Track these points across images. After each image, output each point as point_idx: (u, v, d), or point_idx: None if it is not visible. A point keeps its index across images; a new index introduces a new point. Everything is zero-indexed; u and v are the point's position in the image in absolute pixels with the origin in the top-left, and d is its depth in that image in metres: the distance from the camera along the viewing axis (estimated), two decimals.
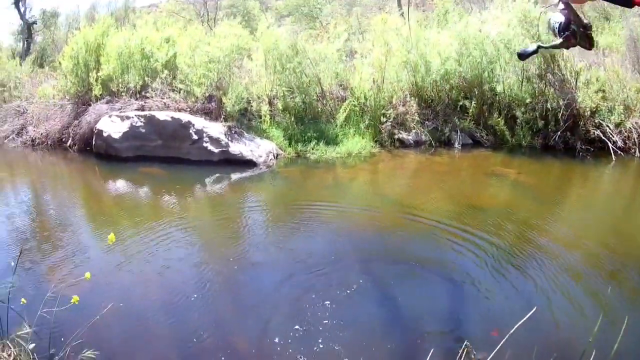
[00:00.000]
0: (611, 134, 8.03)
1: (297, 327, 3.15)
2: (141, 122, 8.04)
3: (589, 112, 8.29)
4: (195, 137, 7.80)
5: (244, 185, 7.13)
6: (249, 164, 7.63)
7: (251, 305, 3.55)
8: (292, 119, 8.37)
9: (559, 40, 1.70)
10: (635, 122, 8.08)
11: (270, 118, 8.28)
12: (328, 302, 3.44)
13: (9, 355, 2.43)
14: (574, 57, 8.90)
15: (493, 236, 4.63)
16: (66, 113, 9.20)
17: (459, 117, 8.77)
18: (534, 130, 8.51)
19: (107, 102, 8.73)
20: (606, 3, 1.36)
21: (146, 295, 3.71)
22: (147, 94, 8.59)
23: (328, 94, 8.64)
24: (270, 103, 8.41)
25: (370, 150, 8.22)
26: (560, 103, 8.29)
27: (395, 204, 5.94)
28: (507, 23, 8.70)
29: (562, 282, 3.72)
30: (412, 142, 8.55)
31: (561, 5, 1.69)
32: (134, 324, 3.30)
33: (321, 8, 14.74)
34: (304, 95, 8.42)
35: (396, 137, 8.50)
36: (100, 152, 8.22)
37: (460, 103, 8.79)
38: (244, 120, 8.30)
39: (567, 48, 1.71)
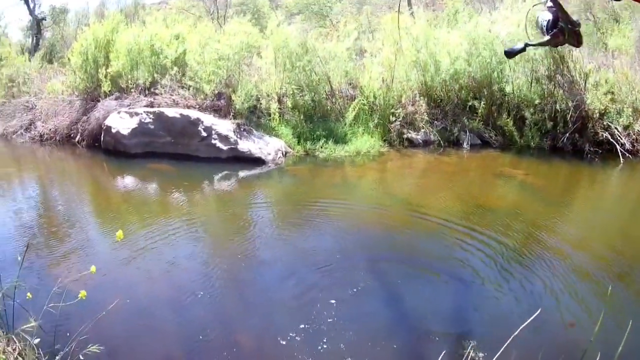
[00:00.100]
0: (619, 137, 8.00)
1: (302, 325, 3.14)
2: (150, 118, 8.05)
3: (597, 114, 8.26)
4: (204, 134, 7.80)
5: (253, 183, 7.12)
6: (257, 161, 7.63)
7: (257, 303, 3.54)
8: (301, 117, 8.36)
9: (547, 38, 1.69)
10: None
11: (280, 116, 8.28)
12: (334, 301, 3.44)
13: (14, 350, 2.42)
14: (583, 59, 8.88)
15: (501, 236, 4.62)
16: (75, 109, 9.22)
17: (468, 117, 8.74)
18: (542, 132, 8.48)
19: (116, 99, 8.75)
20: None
21: (153, 291, 3.71)
22: (156, 91, 8.60)
23: (337, 93, 8.64)
24: (279, 101, 8.40)
25: (379, 149, 8.22)
26: (569, 104, 8.26)
27: (403, 203, 5.93)
28: (517, 23, 8.66)
29: (570, 284, 3.70)
30: (420, 141, 8.54)
31: (549, 3, 1.68)
32: (139, 320, 3.30)
33: (331, 6, 14.74)
34: (313, 94, 8.42)
35: (405, 136, 8.49)
36: (108, 148, 8.24)
37: (470, 103, 8.77)
38: (253, 118, 8.30)
39: (555, 46, 1.70)
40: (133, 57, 8.81)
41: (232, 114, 8.05)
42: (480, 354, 2.77)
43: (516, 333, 1.98)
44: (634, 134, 8.05)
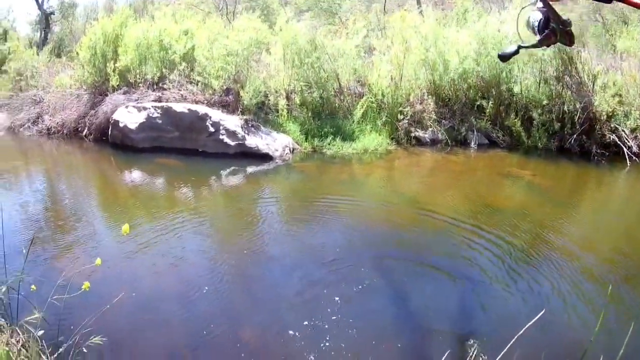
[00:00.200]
0: (627, 139, 7.98)
1: (307, 322, 3.14)
2: (158, 113, 8.05)
3: (605, 116, 8.24)
4: (211, 129, 7.80)
5: (260, 179, 7.12)
6: (265, 157, 7.63)
7: (262, 299, 3.54)
8: (309, 113, 8.35)
9: (539, 39, 1.67)
10: None
11: (288, 112, 8.28)
12: (340, 298, 3.44)
13: (18, 342, 2.42)
14: (591, 60, 8.87)
15: (507, 237, 4.60)
16: (82, 103, 9.23)
17: (476, 117, 8.73)
18: (550, 133, 8.46)
19: (124, 93, 8.76)
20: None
21: (158, 285, 3.71)
22: (165, 86, 8.61)
23: (346, 90, 8.64)
24: (287, 97, 8.40)
25: (387, 147, 8.21)
26: (577, 106, 8.24)
27: (410, 201, 5.92)
28: (526, 24, 8.64)
29: (575, 285, 3.69)
30: (428, 140, 8.53)
31: (540, 4, 1.66)
32: (144, 314, 3.29)
33: (340, 4, 14.74)
34: (321, 91, 8.41)
35: (413, 134, 8.48)
36: (116, 143, 8.25)
37: (478, 103, 8.76)
38: (261, 114, 8.30)
39: (548, 46, 1.68)
40: (142, 52, 8.82)
41: (240, 109, 8.05)
42: (485, 354, 2.76)
43: (520, 333, 1.97)
44: None
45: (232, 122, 7.83)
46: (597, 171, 7.65)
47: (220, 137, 7.77)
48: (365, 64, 8.90)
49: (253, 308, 3.42)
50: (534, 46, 1.73)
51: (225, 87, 8.27)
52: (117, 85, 8.90)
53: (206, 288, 3.59)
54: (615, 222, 5.52)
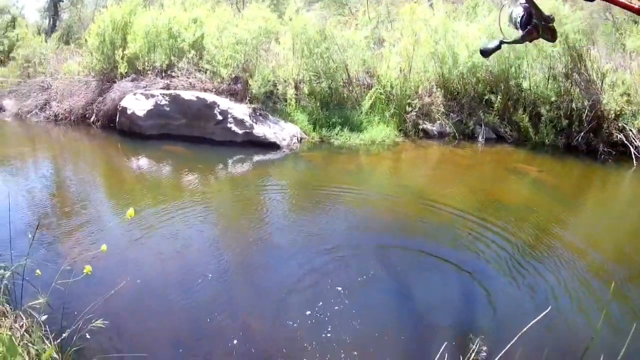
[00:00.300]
0: (634, 139, 7.95)
1: (308, 312, 3.13)
2: (166, 100, 8.05)
3: (613, 115, 8.20)
4: (219, 117, 7.80)
5: (267, 168, 7.12)
6: (272, 146, 7.63)
7: (266, 288, 3.54)
8: (318, 103, 8.35)
9: (521, 34, 1.66)
10: None
11: (296, 102, 8.27)
12: (342, 288, 3.43)
13: (21, 326, 2.41)
14: (600, 59, 8.83)
15: (512, 232, 4.59)
16: (90, 89, 9.23)
17: (484, 111, 8.71)
18: (557, 129, 8.43)
19: (132, 80, 8.76)
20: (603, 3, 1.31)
21: (163, 272, 3.70)
22: (173, 73, 8.61)
23: (354, 81, 8.62)
24: (296, 87, 8.40)
25: (394, 139, 8.19)
26: (585, 104, 8.21)
27: (416, 193, 5.91)
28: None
29: (579, 283, 3.67)
30: (436, 133, 8.51)
31: (522, 0, 1.65)
32: (148, 300, 3.29)
33: None
34: (330, 81, 8.40)
35: (420, 127, 8.46)
36: (123, 129, 8.25)
37: (486, 97, 8.74)
38: (269, 103, 8.29)
39: (530, 41, 1.67)
40: (150, 39, 8.81)
41: (248, 98, 8.04)
42: (486, 349, 2.76)
43: (523, 331, 1.95)
44: None
45: (240, 110, 7.82)
46: (603, 170, 7.61)
47: (228, 125, 7.76)
48: (375, 56, 8.87)
49: (257, 297, 3.42)
50: (516, 42, 1.72)
51: (233, 76, 8.26)
52: (126, 73, 8.89)
53: (210, 276, 3.58)
54: (620, 221, 5.50)
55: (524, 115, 8.53)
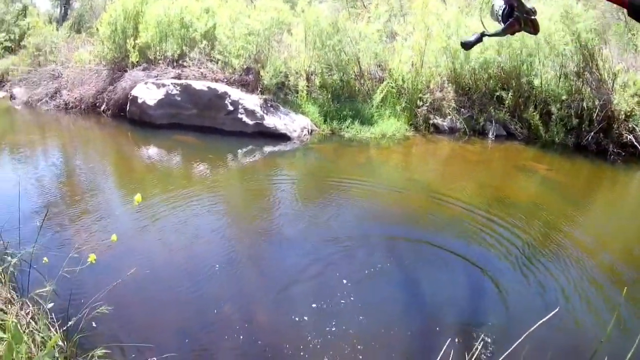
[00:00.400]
0: None
1: (317, 305, 3.13)
2: (177, 90, 8.06)
3: (623, 116, 8.15)
4: (230, 107, 7.80)
5: (276, 159, 7.11)
6: (282, 137, 7.62)
7: (273, 279, 3.54)
8: (329, 96, 8.34)
9: (503, 27, 1.64)
10: None
11: (307, 94, 8.27)
12: (350, 281, 3.43)
13: (27, 314, 2.39)
14: (612, 59, 8.78)
15: (520, 230, 4.57)
16: (101, 78, 9.25)
17: (495, 108, 8.67)
18: (567, 128, 8.37)
19: (143, 69, 8.77)
20: None
21: (171, 262, 3.70)
22: (185, 63, 8.62)
23: (366, 74, 8.61)
24: (307, 79, 8.39)
25: (405, 133, 8.17)
26: (596, 103, 8.15)
27: (425, 187, 5.91)
28: (549, 17, 8.59)
29: (586, 286, 3.64)
30: (446, 128, 8.48)
31: None
32: (155, 290, 3.29)
33: None
34: (342, 73, 8.39)
35: (431, 122, 8.43)
36: (134, 118, 8.26)
37: (497, 93, 8.69)
38: (281, 95, 8.29)
39: (512, 34, 1.65)
40: (162, 29, 8.82)
41: (259, 89, 8.04)
42: (492, 347, 2.76)
43: (530, 331, 1.92)
44: None
45: (251, 101, 7.81)
46: (612, 170, 7.57)
47: (239, 115, 7.76)
48: (387, 49, 8.84)
49: (264, 288, 3.41)
50: (497, 34, 1.70)
51: (245, 67, 8.26)
52: (137, 62, 8.91)
53: (218, 266, 3.58)
54: (629, 222, 5.46)
55: (534, 113, 8.49)
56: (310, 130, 7.92)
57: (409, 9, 9.34)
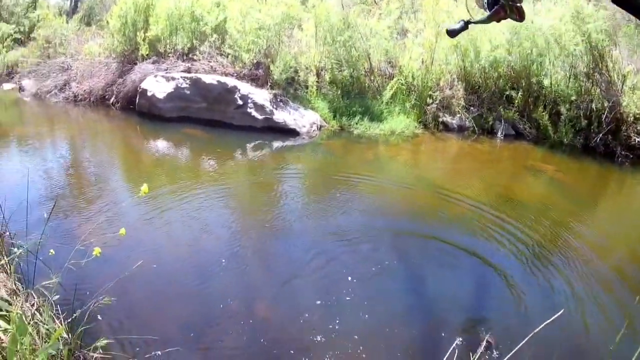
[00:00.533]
0: None
1: (319, 301, 3.14)
2: (187, 83, 8.06)
3: (632, 118, 8.10)
4: (240, 102, 7.80)
5: (285, 154, 7.12)
6: (291, 133, 7.62)
7: (279, 274, 3.55)
8: (339, 92, 8.34)
9: (488, 14, 1.62)
10: None
11: (317, 89, 8.26)
12: (355, 278, 3.43)
13: (32, 305, 2.40)
14: (622, 60, 8.75)
15: (527, 230, 4.56)
16: (111, 71, 9.26)
17: (504, 107, 8.64)
18: (576, 129, 8.34)
19: (153, 62, 8.78)
20: None
21: (177, 255, 3.71)
22: (195, 57, 8.63)
23: (376, 70, 8.59)
24: (318, 74, 8.39)
25: (414, 130, 8.15)
26: (605, 105, 8.12)
27: (433, 185, 5.90)
28: (560, 17, 8.56)
29: (593, 288, 3.62)
30: (455, 126, 8.46)
31: None
32: (161, 283, 3.30)
33: None
34: (352, 70, 8.38)
35: (440, 120, 8.41)
36: (143, 111, 8.28)
37: (507, 93, 8.66)
38: (290, 90, 8.28)
39: (498, 21, 1.63)
40: (173, 22, 8.82)
41: (269, 84, 8.04)
42: (496, 346, 2.75)
43: (534, 332, 1.91)
44: None
45: (261, 95, 7.81)
46: (619, 173, 7.54)
47: (248, 110, 7.76)
48: (397, 46, 8.83)
49: (270, 284, 3.42)
50: (482, 21, 1.68)
51: (255, 61, 8.26)
52: (147, 55, 8.92)
53: (224, 261, 3.59)
54: (635, 225, 5.42)
55: (543, 113, 8.45)
56: (319, 126, 7.91)
57: (420, 6, 9.32)
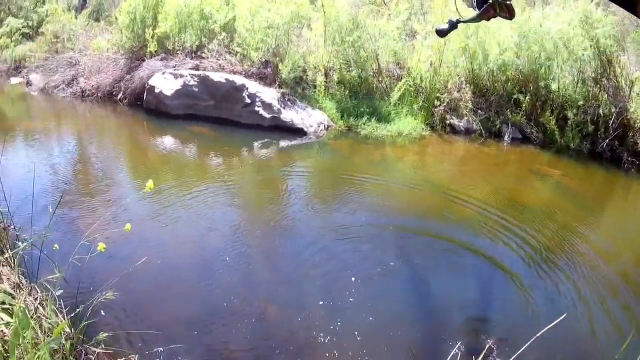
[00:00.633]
0: None
1: (321, 302, 3.14)
2: (194, 81, 8.07)
3: (639, 124, 8.10)
4: (247, 100, 7.80)
5: (292, 153, 7.12)
6: (298, 132, 7.62)
7: (284, 273, 3.56)
8: (347, 92, 8.34)
9: (477, 13, 1.62)
10: None
11: (325, 89, 8.26)
12: (359, 278, 3.44)
13: (35, 299, 2.41)
14: (630, 66, 8.74)
15: (533, 233, 4.57)
16: (119, 67, 9.27)
17: (512, 110, 8.63)
18: (583, 134, 8.32)
19: (161, 59, 8.78)
20: None
21: (182, 253, 3.72)
22: (203, 54, 8.63)
23: (384, 71, 8.58)
24: (326, 74, 8.39)
25: (421, 132, 8.14)
26: (612, 110, 8.11)
27: (439, 187, 5.90)
28: (568, 22, 8.55)
29: (599, 293, 3.63)
30: (462, 129, 8.45)
31: None
32: (165, 279, 3.31)
33: None
34: (360, 70, 8.38)
35: (448, 122, 8.40)
36: (150, 108, 8.28)
37: (515, 96, 8.65)
38: (298, 89, 8.28)
39: (488, 20, 1.63)
40: (181, 19, 8.83)
41: (277, 83, 8.04)
42: (498, 351, 2.75)
43: (537, 336, 1.93)
44: None
45: (269, 94, 7.82)
46: (625, 179, 7.53)
47: (256, 108, 7.77)
48: (406, 47, 8.82)
49: (274, 283, 3.43)
50: (472, 20, 1.68)
51: (264, 60, 8.26)
52: (155, 52, 8.93)
53: (229, 259, 3.60)
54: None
55: (551, 117, 8.44)
56: (326, 126, 7.91)
57: (430, 7, 9.32)
